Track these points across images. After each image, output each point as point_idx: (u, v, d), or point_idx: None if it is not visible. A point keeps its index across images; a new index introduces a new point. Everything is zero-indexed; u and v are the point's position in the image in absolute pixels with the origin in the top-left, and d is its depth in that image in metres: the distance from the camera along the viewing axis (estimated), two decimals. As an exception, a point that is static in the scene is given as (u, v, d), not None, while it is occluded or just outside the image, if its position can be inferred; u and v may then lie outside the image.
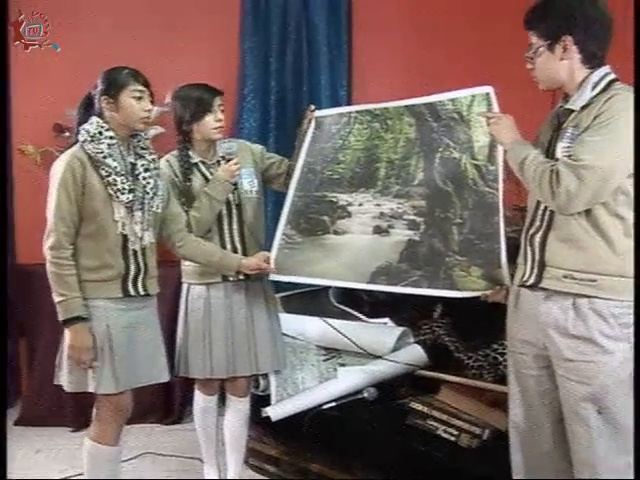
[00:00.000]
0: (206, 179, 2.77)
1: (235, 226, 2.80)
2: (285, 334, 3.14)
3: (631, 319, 1.99)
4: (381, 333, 3.34)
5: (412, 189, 2.54)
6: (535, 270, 2.08)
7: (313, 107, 2.90)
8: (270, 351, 2.84)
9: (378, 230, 2.58)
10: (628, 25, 2.23)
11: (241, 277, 2.77)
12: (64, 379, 2.46)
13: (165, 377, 2.60)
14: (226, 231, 2.79)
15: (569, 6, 2.02)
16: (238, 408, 2.91)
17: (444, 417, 2.69)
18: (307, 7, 4.18)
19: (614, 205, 1.96)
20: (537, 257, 2.08)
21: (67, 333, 2.38)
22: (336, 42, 4.20)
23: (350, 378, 3.02)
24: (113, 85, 2.44)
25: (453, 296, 2.36)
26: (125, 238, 2.43)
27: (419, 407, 2.77)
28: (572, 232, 2.00)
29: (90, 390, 2.41)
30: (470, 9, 3.97)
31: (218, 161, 2.81)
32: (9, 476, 2.74)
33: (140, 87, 2.45)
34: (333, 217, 2.70)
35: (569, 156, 1.96)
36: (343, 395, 2.95)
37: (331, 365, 3.20)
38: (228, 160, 2.77)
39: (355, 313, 3.56)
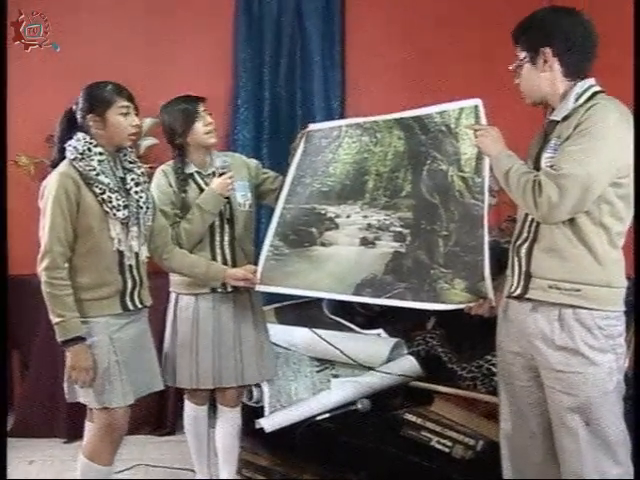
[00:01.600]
0: (201, 190, 2.78)
1: (227, 238, 2.80)
2: (278, 345, 3.13)
3: (616, 330, 2.00)
4: (375, 344, 3.33)
5: (399, 201, 2.53)
6: (522, 281, 2.09)
7: (309, 125, 2.92)
8: (256, 363, 2.84)
9: (365, 242, 2.56)
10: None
11: (229, 289, 2.77)
12: (83, 396, 2.42)
13: (161, 385, 2.61)
14: (217, 243, 2.79)
15: (548, 19, 2.07)
16: (229, 417, 2.90)
17: (438, 428, 2.68)
18: (301, 18, 4.20)
19: (598, 215, 1.97)
20: (523, 268, 2.09)
21: (67, 354, 2.36)
22: (330, 53, 4.21)
23: (343, 389, 3.01)
24: (99, 103, 2.41)
25: (436, 309, 2.35)
26: (121, 254, 2.42)
27: (413, 418, 2.76)
28: (556, 242, 2.01)
29: (106, 405, 2.39)
30: (461, 22, 4.01)
31: (214, 172, 2.82)
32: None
33: (126, 103, 2.43)
34: (321, 229, 2.69)
35: (551, 166, 1.98)
36: (336, 406, 2.94)
37: (324, 376, 3.19)
38: (222, 174, 2.78)
39: (348, 324, 3.55)
